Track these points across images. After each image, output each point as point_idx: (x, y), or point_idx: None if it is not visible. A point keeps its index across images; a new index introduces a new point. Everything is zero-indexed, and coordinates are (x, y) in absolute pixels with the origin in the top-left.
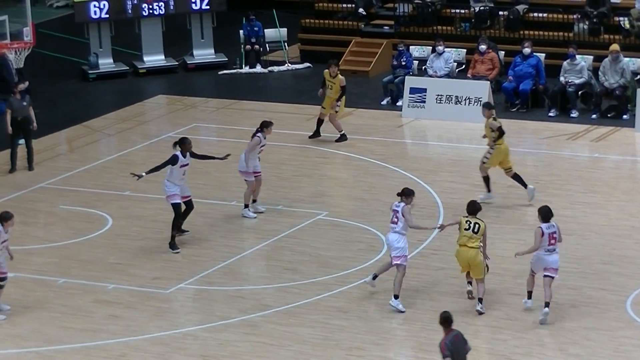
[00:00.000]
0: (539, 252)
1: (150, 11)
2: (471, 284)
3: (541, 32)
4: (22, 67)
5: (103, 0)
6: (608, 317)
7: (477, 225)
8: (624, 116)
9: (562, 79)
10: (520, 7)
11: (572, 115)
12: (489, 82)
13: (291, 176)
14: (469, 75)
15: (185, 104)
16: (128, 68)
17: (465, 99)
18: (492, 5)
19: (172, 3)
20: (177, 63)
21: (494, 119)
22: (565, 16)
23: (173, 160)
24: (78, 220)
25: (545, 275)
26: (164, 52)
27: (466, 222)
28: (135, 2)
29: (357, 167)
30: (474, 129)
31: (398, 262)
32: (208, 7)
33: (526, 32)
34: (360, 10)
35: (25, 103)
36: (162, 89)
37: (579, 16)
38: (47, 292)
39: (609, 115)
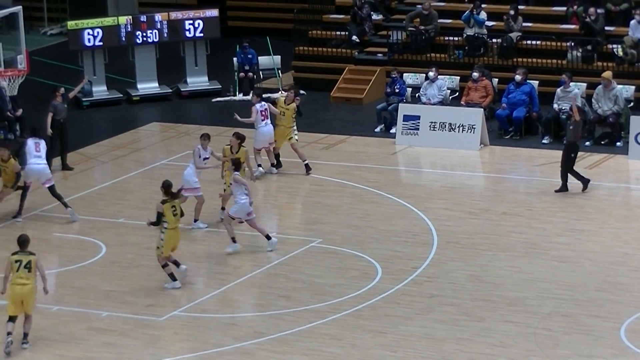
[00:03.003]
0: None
1: (144, 39)
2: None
3: (535, 60)
4: (16, 95)
5: (97, 28)
6: (602, 345)
7: (29, 262)
8: (618, 143)
9: (555, 106)
10: (514, 35)
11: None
12: (482, 109)
13: (285, 203)
14: (462, 102)
15: (179, 131)
16: (122, 95)
17: (458, 127)
18: (485, 33)
19: (166, 31)
20: (170, 90)
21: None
22: (559, 44)
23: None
24: (72, 248)
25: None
26: (157, 80)
27: (16, 262)
28: (129, 29)
29: (351, 194)
30: (467, 156)
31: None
32: (202, 34)
33: (520, 59)
34: (354, 37)
35: (66, 105)
36: (156, 117)
37: (573, 44)
38: (40, 319)
39: (602, 142)
